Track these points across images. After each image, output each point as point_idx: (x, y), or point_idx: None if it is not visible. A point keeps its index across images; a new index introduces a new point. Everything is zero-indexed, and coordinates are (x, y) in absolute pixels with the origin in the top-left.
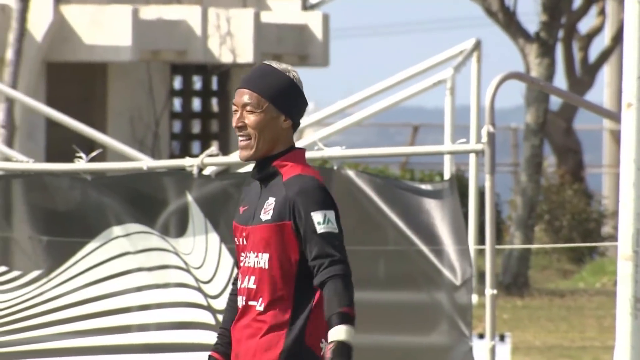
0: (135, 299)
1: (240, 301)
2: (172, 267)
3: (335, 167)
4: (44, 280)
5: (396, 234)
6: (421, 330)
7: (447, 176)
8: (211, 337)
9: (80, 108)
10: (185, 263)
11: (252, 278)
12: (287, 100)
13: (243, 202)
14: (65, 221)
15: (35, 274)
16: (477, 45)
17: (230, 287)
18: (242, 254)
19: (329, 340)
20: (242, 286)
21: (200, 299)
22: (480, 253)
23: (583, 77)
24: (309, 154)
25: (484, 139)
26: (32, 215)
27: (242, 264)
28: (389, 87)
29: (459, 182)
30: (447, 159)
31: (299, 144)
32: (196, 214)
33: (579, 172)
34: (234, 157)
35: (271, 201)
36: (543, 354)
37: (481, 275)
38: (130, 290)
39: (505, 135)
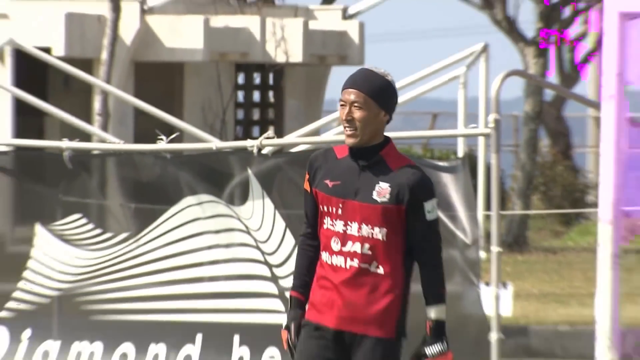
0: (206, 255)
1: (346, 261)
2: (236, 230)
3: None
4: (132, 240)
5: None
6: None
7: (460, 155)
8: (267, 286)
9: (161, 99)
10: (246, 227)
11: (366, 245)
12: (387, 99)
13: (327, 173)
14: (148, 191)
15: (124, 235)
16: (485, 48)
17: (300, 242)
18: (333, 220)
19: (432, 316)
20: (351, 249)
21: (259, 256)
22: (488, 218)
23: (571, 73)
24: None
25: (491, 124)
26: (122, 187)
27: (330, 226)
28: (413, 82)
29: (470, 160)
30: (460, 141)
31: (340, 128)
32: (255, 186)
33: (568, 152)
34: (287, 139)
35: (385, 186)
36: (539, 300)
37: (488, 236)
38: (202, 249)
39: (508, 121)
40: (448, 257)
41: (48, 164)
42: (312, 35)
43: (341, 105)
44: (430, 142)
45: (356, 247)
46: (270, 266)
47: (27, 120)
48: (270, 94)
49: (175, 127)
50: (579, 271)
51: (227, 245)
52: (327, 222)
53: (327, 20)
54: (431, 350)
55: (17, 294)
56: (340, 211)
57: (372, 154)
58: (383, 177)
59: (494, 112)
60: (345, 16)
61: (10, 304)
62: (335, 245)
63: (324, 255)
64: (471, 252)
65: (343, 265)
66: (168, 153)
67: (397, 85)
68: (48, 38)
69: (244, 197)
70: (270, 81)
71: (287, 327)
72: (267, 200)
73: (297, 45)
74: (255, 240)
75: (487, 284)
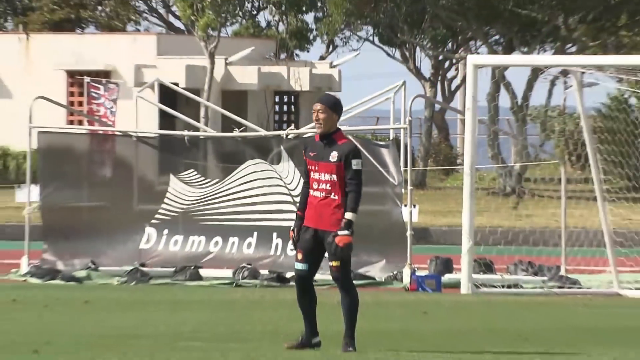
0: (259, 190)
1: (320, 193)
2: (275, 178)
3: None
4: (220, 183)
5: (372, 163)
6: (380, 203)
7: (391, 138)
8: (290, 207)
9: (236, 110)
10: (279, 175)
11: (328, 184)
12: (337, 108)
13: (311, 149)
14: (228, 157)
15: (216, 180)
16: (404, 83)
17: (302, 186)
18: (314, 173)
19: (347, 217)
20: (321, 187)
21: (285, 191)
22: (406, 171)
23: (449, 96)
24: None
25: (407, 122)
26: (215, 156)
27: (313, 176)
28: (366, 100)
29: (396, 141)
30: (391, 131)
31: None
32: (284, 155)
33: (447, 137)
34: (301, 130)
35: (334, 153)
36: (432, 214)
37: (406, 181)
38: (257, 187)
39: (417, 121)
40: (384, 192)
41: (176, 143)
42: (314, 76)
43: (313, 112)
44: (376, 132)
45: (323, 185)
46: (292, 196)
47: (165, 120)
48: (292, 107)
49: (243, 124)
50: (453, 199)
51: (269, 185)
52: (312, 174)
53: (322, 68)
54: (341, 232)
55: (160, 211)
56: (317, 167)
57: (329, 137)
58: (335, 147)
59: (408, 116)
60: (331, 66)
61: (157, 216)
62: (315, 184)
63: (311, 191)
64: (397, 189)
65: (318, 195)
66: (239, 137)
67: (358, 102)
68: (176, 77)
69: (278, 160)
70: (292, 100)
71: (293, 230)
72: (291, 163)
73: (306, 81)
74: (284, 182)
75: (405, 205)
